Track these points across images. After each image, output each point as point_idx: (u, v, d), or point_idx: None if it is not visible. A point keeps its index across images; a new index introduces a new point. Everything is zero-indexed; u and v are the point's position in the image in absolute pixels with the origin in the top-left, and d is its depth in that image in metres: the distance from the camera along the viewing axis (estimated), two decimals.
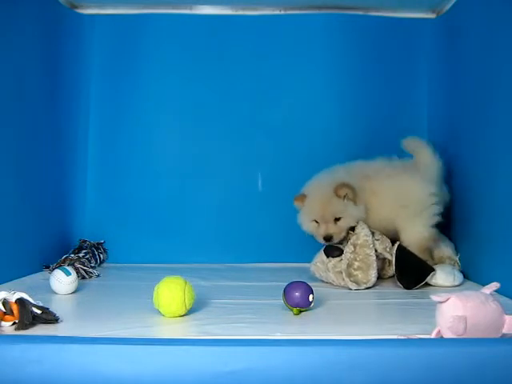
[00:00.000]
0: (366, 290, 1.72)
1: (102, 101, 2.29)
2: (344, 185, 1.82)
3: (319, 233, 1.85)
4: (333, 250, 1.81)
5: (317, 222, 1.86)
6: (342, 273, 1.75)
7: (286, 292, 1.42)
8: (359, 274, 1.74)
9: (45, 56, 2.02)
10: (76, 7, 2.25)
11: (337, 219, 1.82)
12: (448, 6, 2.12)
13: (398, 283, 1.74)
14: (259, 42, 2.28)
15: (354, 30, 2.27)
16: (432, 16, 2.27)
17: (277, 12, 2.29)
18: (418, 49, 2.28)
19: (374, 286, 1.76)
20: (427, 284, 1.75)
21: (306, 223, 1.89)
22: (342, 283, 1.75)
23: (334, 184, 1.83)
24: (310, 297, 1.41)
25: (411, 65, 2.29)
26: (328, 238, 1.83)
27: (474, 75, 1.85)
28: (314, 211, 1.85)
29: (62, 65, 2.14)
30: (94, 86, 2.28)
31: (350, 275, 1.74)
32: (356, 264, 1.76)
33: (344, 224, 1.83)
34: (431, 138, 2.25)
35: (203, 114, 2.28)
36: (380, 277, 1.80)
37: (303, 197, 1.89)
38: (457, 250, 1.94)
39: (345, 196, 1.82)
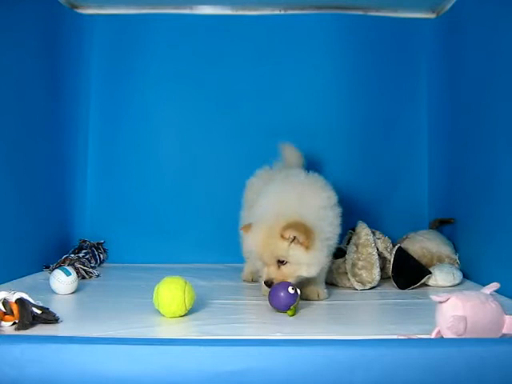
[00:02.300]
0: (366, 290, 1.72)
1: (102, 101, 2.29)
2: (292, 226, 1.45)
3: (262, 276, 1.53)
4: None
5: None
6: (346, 273, 1.75)
7: (273, 303, 1.41)
8: (364, 273, 1.74)
9: (45, 56, 2.02)
10: (76, 7, 2.25)
11: (280, 262, 1.48)
12: (448, 6, 2.12)
13: (393, 283, 1.74)
14: (259, 41, 2.28)
15: (354, 30, 2.27)
16: (432, 16, 2.27)
17: (277, 12, 2.29)
18: (418, 49, 2.28)
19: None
20: (426, 284, 1.75)
21: (255, 259, 1.57)
22: (348, 284, 1.75)
23: (282, 222, 1.46)
24: (290, 289, 1.39)
25: (411, 65, 2.29)
26: (269, 284, 1.47)
27: (473, 75, 1.85)
28: (254, 249, 1.52)
29: (62, 65, 2.14)
30: (94, 85, 2.28)
31: (354, 275, 1.74)
32: (360, 263, 1.76)
33: (288, 271, 1.47)
34: (431, 137, 2.26)
35: (203, 114, 2.28)
36: (381, 276, 1.79)
37: (248, 227, 1.55)
38: (456, 248, 1.94)
39: (293, 240, 1.46)
